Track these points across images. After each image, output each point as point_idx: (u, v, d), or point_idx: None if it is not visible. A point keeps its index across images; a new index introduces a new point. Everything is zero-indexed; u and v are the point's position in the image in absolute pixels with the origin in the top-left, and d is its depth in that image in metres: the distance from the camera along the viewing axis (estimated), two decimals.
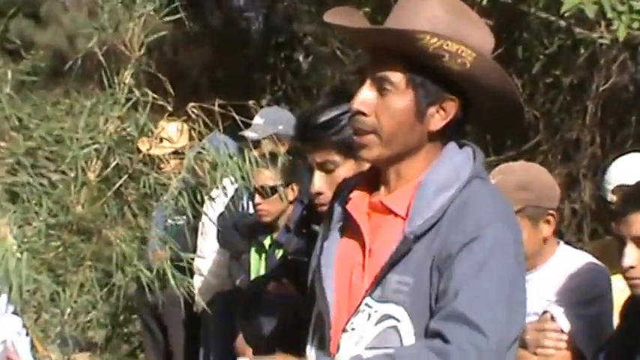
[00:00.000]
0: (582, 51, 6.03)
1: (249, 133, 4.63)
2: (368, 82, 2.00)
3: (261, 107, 5.86)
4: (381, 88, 1.98)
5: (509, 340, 1.89)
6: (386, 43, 1.98)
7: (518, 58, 6.48)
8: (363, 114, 1.99)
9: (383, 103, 1.98)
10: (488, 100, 2.00)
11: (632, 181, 2.98)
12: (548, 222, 2.88)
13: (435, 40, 1.89)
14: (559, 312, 2.73)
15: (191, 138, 2.87)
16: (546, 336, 2.72)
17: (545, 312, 2.76)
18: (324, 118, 2.45)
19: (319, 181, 2.48)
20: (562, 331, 2.72)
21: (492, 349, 1.83)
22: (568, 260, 2.87)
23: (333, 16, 2.03)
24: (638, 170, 3.16)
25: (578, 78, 6.71)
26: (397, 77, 1.97)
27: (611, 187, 3.19)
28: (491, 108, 2.02)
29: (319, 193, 2.47)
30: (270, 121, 4.97)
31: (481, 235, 1.89)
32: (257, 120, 4.92)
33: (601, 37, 5.12)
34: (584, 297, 2.76)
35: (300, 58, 9.96)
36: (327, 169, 2.47)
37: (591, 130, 6.69)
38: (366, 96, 1.99)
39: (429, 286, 1.92)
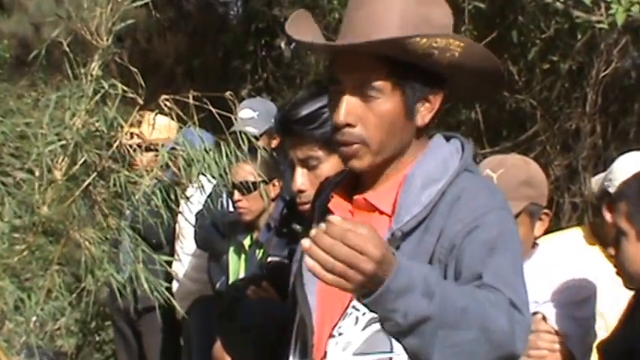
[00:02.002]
0: (580, 35, 6.03)
1: (249, 129, 4.62)
2: (349, 90, 1.97)
3: (242, 99, 5.84)
4: (364, 96, 1.96)
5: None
6: (372, 52, 1.96)
7: (513, 44, 6.48)
8: (350, 125, 1.97)
9: (370, 111, 1.96)
10: (473, 81, 2.02)
11: None
12: (541, 220, 2.91)
13: (424, 40, 1.89)
14: (551, 313, 2.76)
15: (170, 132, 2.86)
16: (540, 337, 2.75)
17: (535, 313, 2.79)
18: (305, 111, 2.44)
19: (301, 178, 2.47)
20: (556, 332, 2.75)
21: (528, 324, 1.84)
22: (550, 261, 2.91)
23: (298, 31, 2.02)
24: None
25: (577, 64, 6.72)
26: (382, 82, 1.95)
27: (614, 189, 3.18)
28: (471, 84, 2.04)
29: (301, 191, 2.46)
30: (264, 115, 4.95)
31: (483, 223, 1.90)
32: (249, 113, 4.89)
33: (599, 22, 5.12)
34: (575, 298, 2.80)
35: (282, 45, 9.93)
36: (309, 165, 2.46)
37: (591, 118, 6.70)
38: (350, 106, 1.97)
39: None
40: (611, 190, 3.25)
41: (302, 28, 2.05)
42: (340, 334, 1.97)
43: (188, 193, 2.83)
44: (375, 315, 1.93)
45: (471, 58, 1.95)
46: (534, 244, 2.98)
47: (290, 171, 2.54)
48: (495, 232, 1.89)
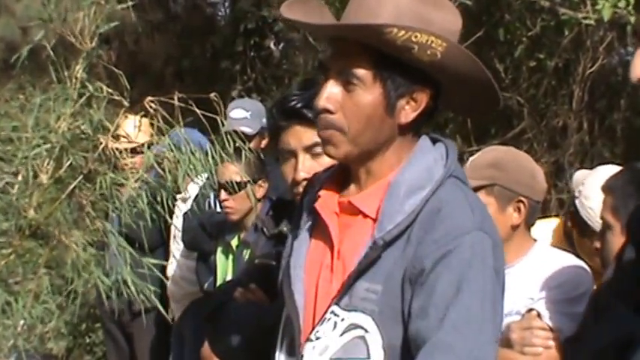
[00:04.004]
0: (567, 32, 6.02)
1: (244, 128, 4.62)
2: (332, 77, 1.98)
3: (233, 99, 5.82)
4: (346, 84, 1.96)
5: (495, 349, 1.89)
6: (352, 37, 1.96)
7: (499, 41, 6.48)
8: (329, 112, 1.97)
9: (349, 100, 1.96)
10: (460, 87, 2.00)
11: None
12: (518, 209, 2.88)
13: (402, 32, 1.88)
14: (545, 310, 2.75)
15: (152, 134, 2.83)
16: (534, 334, 2.74)
17: (530, 310, 2.78)
18: (308, 96, 2.39)
19: (306, 166, 2.42)
20: (550, 329, 2.74)
21: None
22: (547, 258, 2.90)
23: (291, 11, 2.01)
24: None
25: (563, 61, 6.72)
26: (363, 71, 1.95)
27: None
28: (462, 92, 2.02)
29: (306, 179, 2.41)
30: (256, 114, 4.94)
31: (457, 247, 1.88)
32: (241, 113, 4.88)
33: (585, 18, 5.11)
34: (569, 295, 2.78)
35: (271, 46, 9.92)
36: (314, 152, 2.42)
37: (578, 115, 6.70)
38: (331, 92, 1.97)
39: (400, 298, 1.91)
40: (578, 203, 3.23)
41: (294, 8, 2.03)
42: (318, 339, 1.97)
43: (179, 196, 2.81)
44: (355, 321, 1.93)
45: (454, 60, 1.93)
46: (534, 239, 2.97)
47: (282, 166, 2.50)
48: (465, 258, 1.87)
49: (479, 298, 1.86)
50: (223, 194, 4.20)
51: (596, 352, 2.35)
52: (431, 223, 1.91)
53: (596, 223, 3.07)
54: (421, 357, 1.84)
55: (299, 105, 2.43)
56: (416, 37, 1.88)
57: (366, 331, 1.92)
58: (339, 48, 1.99)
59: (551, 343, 2.75)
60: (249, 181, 4.13)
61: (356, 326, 1.93)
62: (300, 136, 2.44)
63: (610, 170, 3.29)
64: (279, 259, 2.23)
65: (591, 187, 3.21)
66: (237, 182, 4.15)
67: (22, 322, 2.76)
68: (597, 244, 2.64)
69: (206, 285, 4.63)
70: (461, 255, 1.87)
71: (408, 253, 1.91)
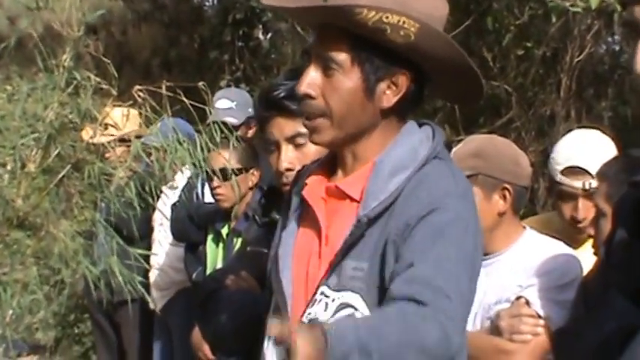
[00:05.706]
0: (554, 20, 6.02)
1: (229, 119, 4.60)
2: (313, 62, 2.00)
3: (220, 89, 5.81)
4: (326, 69, 1.98)
5: (469, 313, 1.89)
6: (325, 20, 1.97)
7: (487, 30, 6.48)
8: (311, 97, 1.98)
9: (329, 84, 1.98)
10: (440, 71, 2.00)
11: (582, 162, 3.01)
12: (503, 197, 2.88)
13: (372, 13, 1.88)
14: (534, 297, 2.75)
15: (141, 124, 2.83)
16: (523, 321, 2.74)
17: (518, 297, 2.78)
18: (291, 87, 2.41)
19: (289, 156, 2.44)
20: (538, 316, 2.74)
21: (459, 317, 1.81)
22: (536, 245, 2.90)
23: None
24: (588, 149, 3.16)
25: (551, 49, 6.72)
26: (341, 55, 1.97)
27: (560, 167, 3.17)
28: (445, 78, 2.02)
29: (289, 170, 2.43)
30: (242, 104, 4.93)
31: (441, 207, 1.88)
32: (226, 103, 4.87)
33: (573, 5, 5.11)
34: (558, 282, 2.78)
35: (260, 36, 9.90)
36: (297, 142, 2.44)
37: (566, 103, 6.71)
38: (311, 78, 1.99)
39: (384, 266, 1.90)
40: (551, 170, 3.24)
41: None
42: (310, 321, 1.97)
43: (166, 185, 2.80)
44: (345, 301, 1.93)
45: (429, 42, 1.93)
46: (524, 227, 2.97)
47: (268, 156, 2.51)
48: (449, 217, 1.87)
49: (455, 252, 1.85)
50: (215, 181, 4.19)
51: (597, 346, 2.34)
52: (414, 193, 1.92)
53: (554, 171, 3.15)
54: (396, 287, 1.81)
55: (281, 96, 2.44)
56: (387, 17, 1.89)
57: (356, 309, 1.92)
58: (319, 34, 2.01)
59: (540, 330, 2.75)
60: (241, 169, 4.12)
61: (346, 305, 1.93)
62: (282, 127, 2.45)
63: (580, 133, 3.32)
64: (270, 246, 2.23)
65: (557, 143, 3.29)
66: (230, 169, 4.13)
67: (10, 312, 2.75)
68: (590, 231, 2.64)
69: (194, 275, 4.62)
70: (446, 213, 1.87)
71: (391, 224, 1.91)
